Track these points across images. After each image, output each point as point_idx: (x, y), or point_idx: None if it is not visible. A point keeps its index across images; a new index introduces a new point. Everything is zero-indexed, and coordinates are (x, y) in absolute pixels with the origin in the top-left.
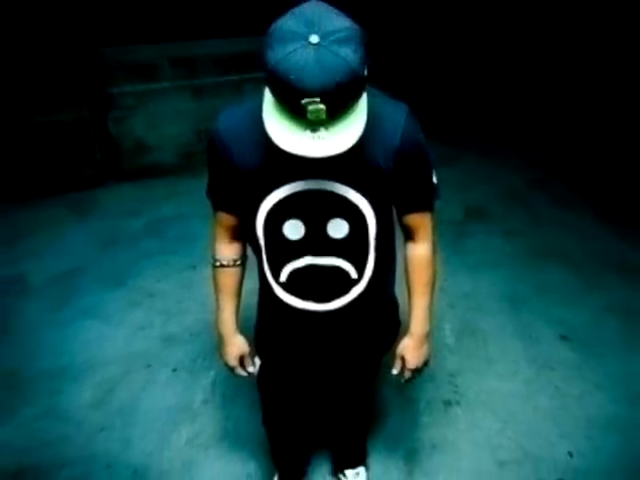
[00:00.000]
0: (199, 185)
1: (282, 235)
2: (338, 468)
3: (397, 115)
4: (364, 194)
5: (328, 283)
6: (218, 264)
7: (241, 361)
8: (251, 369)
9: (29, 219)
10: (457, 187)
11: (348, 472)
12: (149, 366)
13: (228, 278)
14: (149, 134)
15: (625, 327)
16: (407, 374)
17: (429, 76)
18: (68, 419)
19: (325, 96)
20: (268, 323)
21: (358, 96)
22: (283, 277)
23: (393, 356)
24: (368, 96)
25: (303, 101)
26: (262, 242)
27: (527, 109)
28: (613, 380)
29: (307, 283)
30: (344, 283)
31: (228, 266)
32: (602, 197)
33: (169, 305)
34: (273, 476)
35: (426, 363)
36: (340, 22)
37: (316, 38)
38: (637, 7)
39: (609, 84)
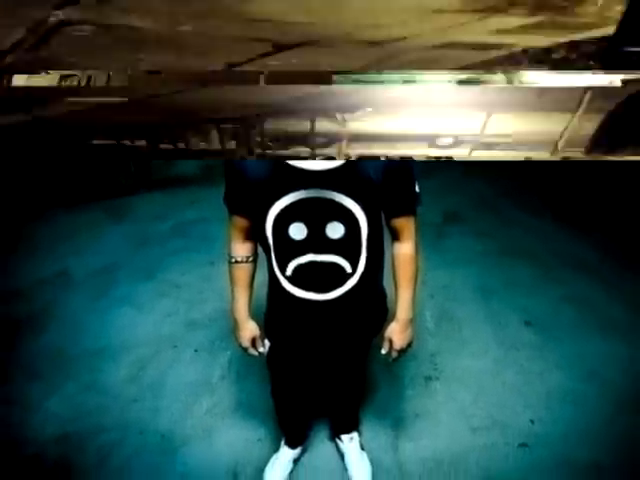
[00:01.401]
0: (217, 193)
1: (288, 236)
2: (335, 433)
3: None
4: (357, 201)
5: (327, 276)
6: (233, 260)
7: (253, 343)
8: (261, 349)
9: (72, 222)
10: (436, 195)
11: (344, 437)
12: (175, 347)
13: (242, 272)
14: None
15: (579, 315)
16: (394, 354)
17: None
18: (106, 392)
19: None
20: (276, 310)
21: None
22: (289, 271)
23: (382, 338)
24: None
25: None
26: (271, 242)
27: None
28: (569, 360)
29: (309, 277)
30: (340, 277)
31: (242, 262)
32: (560, 204)
33: (192, 295)
34: (280, 440)
35: (410, 344)
36: None
37: None
38: None
39: None
